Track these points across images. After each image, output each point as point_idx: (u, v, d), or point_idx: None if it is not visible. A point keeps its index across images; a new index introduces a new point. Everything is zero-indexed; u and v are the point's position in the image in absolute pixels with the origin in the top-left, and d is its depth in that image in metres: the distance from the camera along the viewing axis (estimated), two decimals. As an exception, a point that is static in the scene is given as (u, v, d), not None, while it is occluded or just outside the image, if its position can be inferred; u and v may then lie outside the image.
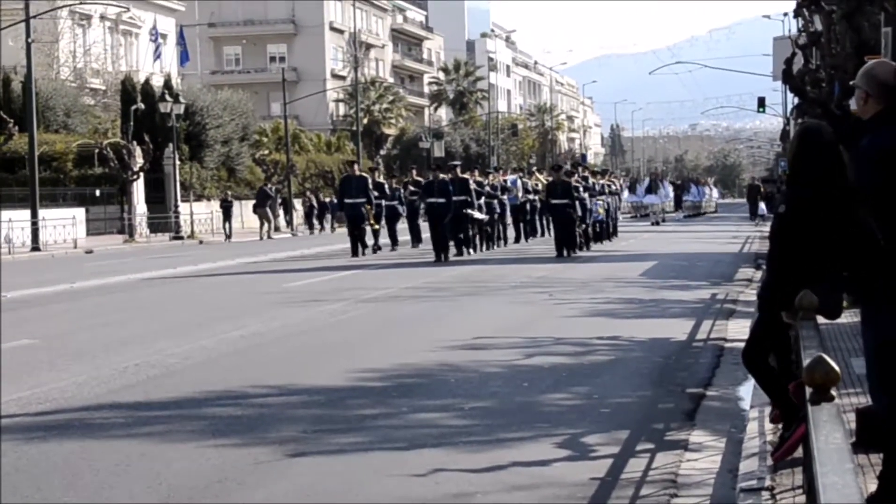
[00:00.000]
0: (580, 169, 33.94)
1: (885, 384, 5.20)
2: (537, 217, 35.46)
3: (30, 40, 38.33)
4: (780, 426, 6.89)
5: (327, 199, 54.79)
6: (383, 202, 30.06)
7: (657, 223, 48.76)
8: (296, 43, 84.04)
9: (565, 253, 26.46)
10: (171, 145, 47.43)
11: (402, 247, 30.72)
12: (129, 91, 51.25)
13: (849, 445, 3.03)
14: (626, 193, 52.58)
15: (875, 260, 5.24)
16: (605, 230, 33.88)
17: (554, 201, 27.02)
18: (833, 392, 3.44)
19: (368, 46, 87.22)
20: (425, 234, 27.90)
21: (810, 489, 4.02)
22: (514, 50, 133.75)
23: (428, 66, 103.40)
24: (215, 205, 49.49)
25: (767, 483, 6.14)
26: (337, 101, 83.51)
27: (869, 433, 6.09)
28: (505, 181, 33.22)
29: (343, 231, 34.50)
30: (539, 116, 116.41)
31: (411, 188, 31.39)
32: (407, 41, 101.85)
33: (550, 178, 29.49)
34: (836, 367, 3.46)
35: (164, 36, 63.72)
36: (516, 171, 44.76)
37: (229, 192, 50.33)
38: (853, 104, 13.55)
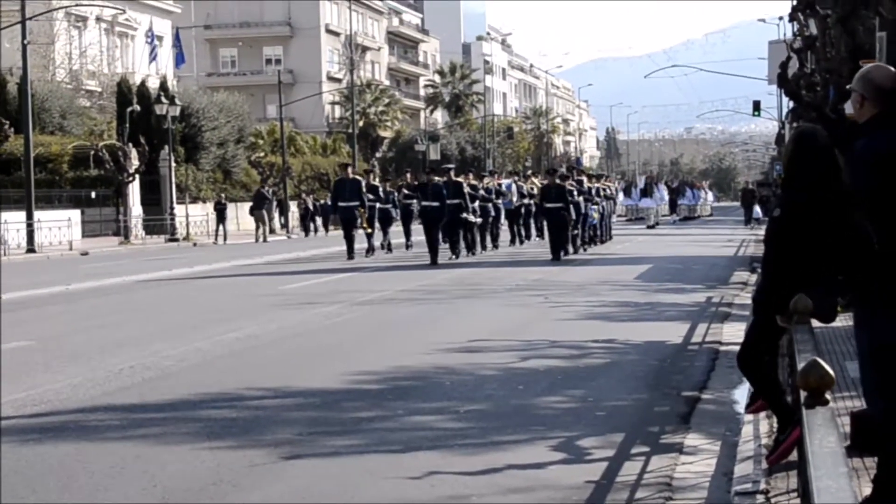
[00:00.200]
0: (574, 172, 33.98)
1: (882, 388, 5.20)
2: (532, 220, 35.50)
3: (26, 42, 38.30)
4: (774, 427, 6.90)
5: (321, 202, 54.83)
6: (377, 205, 30.05)
7: (652, 226, 48.78)
8: (292, 45, 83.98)
9: (560, 256, 26.53)
10: (166, 147, 47.46)
11: (397, 250, 30.72)
12: (124, 93, 51.25)
13: (843, 449, 3.04)
14: (621, 196, 52.58)
15: (870, 263, 5.24)
16: (600, 233, 34.04)
17: (548, 205, 27.09)
18: (827, 396, 3.44)
19: (364, 49, 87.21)
20: (420, 237, 27.88)
21: (805, 493, 4.02)
22: (509, 53, 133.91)
23: (424, 69, 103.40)
24: (211, 207, 49.49)
25: (762, 486, 6.15)
26: (333, 103, 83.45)
27: (864, 437, 6.10)
28: (500, 185, 33.28)
29: (337, 234, 34.48)
30: (535, 119, 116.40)
31: (405, 192, 31.37)
32: (403, 44, 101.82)
33: (545, 182, 29.54)
34: (831, 371, 3.46)
35: (159, 38, 63.61)
36: (512, 175, 44.78)
37: (223, 195, 50.30)
38: (848, 108, 13.59)
